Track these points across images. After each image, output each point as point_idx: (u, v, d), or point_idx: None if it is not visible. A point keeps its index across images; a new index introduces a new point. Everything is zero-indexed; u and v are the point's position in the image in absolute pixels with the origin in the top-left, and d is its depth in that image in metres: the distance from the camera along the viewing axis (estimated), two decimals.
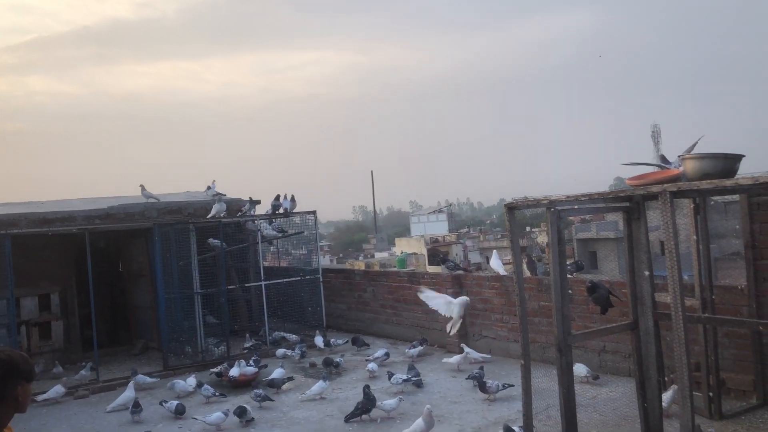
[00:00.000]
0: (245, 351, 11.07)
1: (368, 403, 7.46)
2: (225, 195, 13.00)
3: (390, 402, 7.59)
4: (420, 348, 10.49)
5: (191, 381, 9.24)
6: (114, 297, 14.40)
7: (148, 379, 9.87)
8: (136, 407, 8.23)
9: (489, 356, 9.86)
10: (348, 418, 7.47)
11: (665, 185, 4.39)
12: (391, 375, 8.69)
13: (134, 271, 13.51)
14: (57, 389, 9.40)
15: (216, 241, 11.66)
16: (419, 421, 6.68)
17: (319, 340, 11.29)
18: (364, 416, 7.48)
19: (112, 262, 14.90)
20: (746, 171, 4.75)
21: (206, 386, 8.92)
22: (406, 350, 10.65)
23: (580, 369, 8.05)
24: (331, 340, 11.51)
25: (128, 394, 8.77)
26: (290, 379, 9.28)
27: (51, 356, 11.38)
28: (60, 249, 12.57)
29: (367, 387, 7.66)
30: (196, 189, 13.47)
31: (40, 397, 9.08)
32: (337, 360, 9.54)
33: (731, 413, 6.56)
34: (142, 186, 12.63)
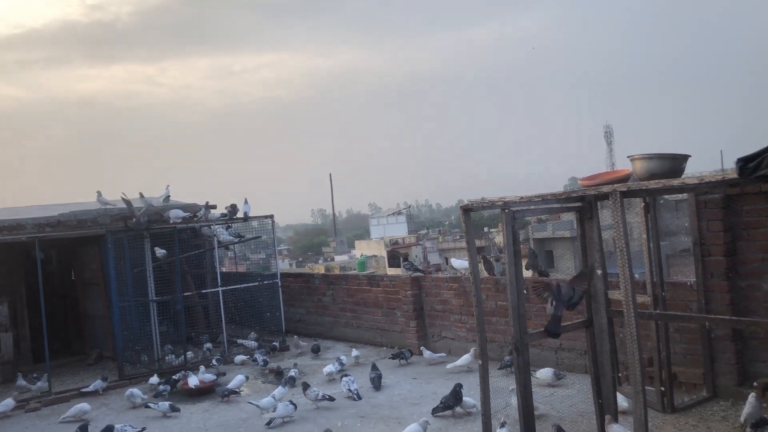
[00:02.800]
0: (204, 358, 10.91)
1: (452, 398, 7.29)
2: (162, 196, 12.79)
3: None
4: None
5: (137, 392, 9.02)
6: (66, 306, 14.03)
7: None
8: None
9: (444, 355, 9.92)
10: (434, 412, 7.33)
11: (615, 185, 4.49)
12: (343, 376, 8.68)
13: (87, 280, 13.20)
14: (7, 403, 9.11)
15: (162, 250, 11.44)
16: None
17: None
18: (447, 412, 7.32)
19: (64, 271, 14.52)
20: (695, 170, 4.88)
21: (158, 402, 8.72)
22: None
23: (547, 373, 8.12)
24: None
25: (83, 405, 8.55)
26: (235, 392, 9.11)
27: (1, 369, 11.03)
28: (9, 259, 12.19)
29: (458, 385, 7.40)
30: (151, 194, 13.20)
31: None
32: (291, 373, 9.27)
33: (683, 406, 6.73)
34: (98, 192, 12.35)
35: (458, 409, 7.30)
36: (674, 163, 4.47)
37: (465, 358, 9.09)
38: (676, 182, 4.22)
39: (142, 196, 12.60)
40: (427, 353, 9.85)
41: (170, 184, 12.94)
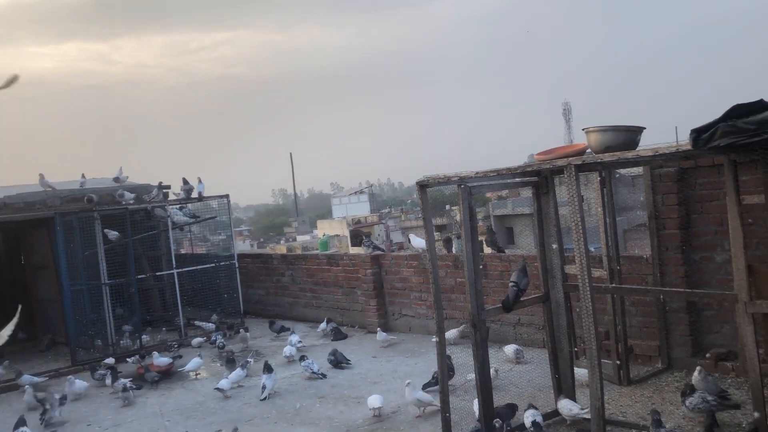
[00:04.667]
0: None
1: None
2: (127, 177, 12.43)
3: None
4: (331, 325, 10.71)
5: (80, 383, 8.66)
6: (16, 291, 13.59)
7: (36, 379, 9.13)
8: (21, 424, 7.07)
9: (395, 337, 9.87)
10: (426, 387, 6.93)
11: (570, 159, 4.43)
12: (302, 358, 8.56)
13: (37, 263, 12.78)
14: None
15: (114, 232, 11.12)
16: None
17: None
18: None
19: (13, 255, 14.07)
20: (650, 144, 4.86)
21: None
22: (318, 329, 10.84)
23: (509, 349, 8.11)
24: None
25: (27, 399, 8.25)
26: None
27: None
28: None
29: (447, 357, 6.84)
30: (103, 175, 12.84)
31: None
32: (248, 359, 9.09)
33: (639, 378, 6.80)
34: (41, 175, 11.92)
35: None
36: (629, 136, 4.43)
37: (452, 332, 8.66)
38: (630, 155, 4.19)
39: (83, 176, 12.23)
40: (381, 335, 9.72)
41: (122, 165, 12.60)
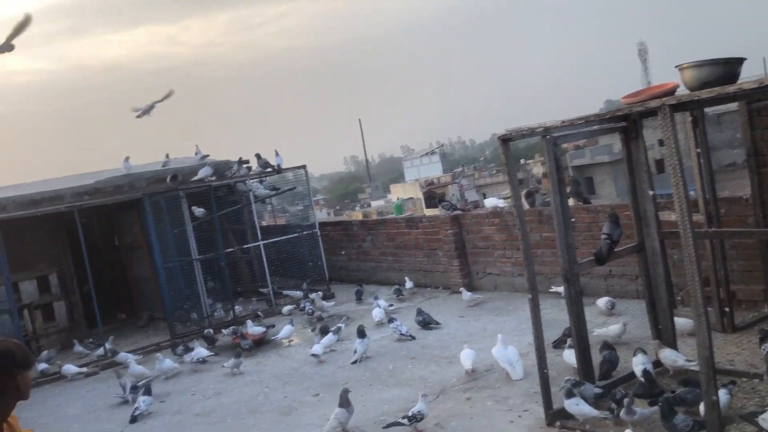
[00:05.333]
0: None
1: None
2: (208, 155, 12.75)
3: None
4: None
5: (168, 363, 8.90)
6: (113, 271, 14.27)
7: (131, 356, 9.45)
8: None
9: (481, 296, 9.78)
10: (557, 344, 6.83)
11: (663, 99, 4.18)
12: (390, 321, 8.62)
13: (130, 244, 13.36)
14: (67, 368, 9.37)
15: (201, 209, 11.44)
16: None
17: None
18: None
19: (107, 237, 14.76)
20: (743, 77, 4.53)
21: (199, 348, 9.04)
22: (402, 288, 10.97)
23: (602, 302, 7.89)
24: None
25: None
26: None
27: (57, 337, 11.33)
28: (53, 229, 12.40)
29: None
30: (184, 155, 13.20)
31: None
32: (339, 324, 9.18)
33: (744, 325, 6.51)
34: (126, 158, 12.39)
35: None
36: (728, 69, 4.13)
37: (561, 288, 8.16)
38: (731, 89, 3.90)
39: (166, 156, 12.59)
40: (467, 295, 9.65)
41: (198, 144, 12.93)
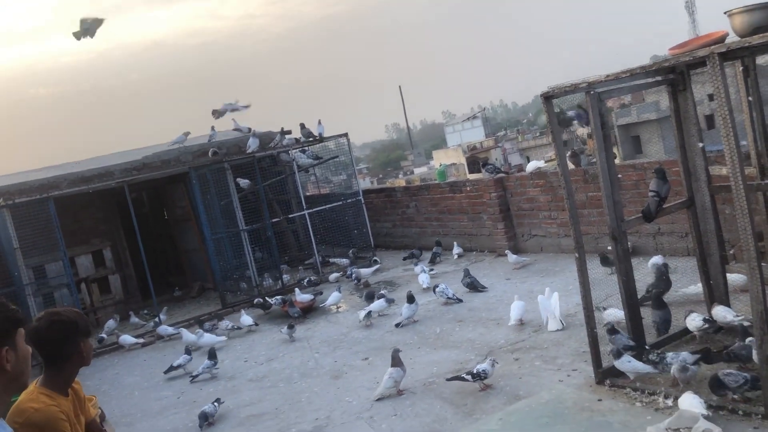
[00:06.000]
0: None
1: (662, 284, 6.44)
2: (248, 128, 12.86)
3: None
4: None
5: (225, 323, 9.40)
6: (164, 244, 14.64)
7: (170, 330, 9.87)
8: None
9: (527, 259, 9.72)
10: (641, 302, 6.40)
11: (712, 47, 4.05)
12: (436, 286, 8.64)
13: (179, 217, 13.67)
14: (125, 338, 9.72)
15: (245, 180, 11.58)
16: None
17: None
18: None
19: (157, 211, 15.11)
20: None
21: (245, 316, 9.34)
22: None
23: (656, 259, 7.73)
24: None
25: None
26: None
27: (113, 308, 11.73)
28: (105, 205, 12.77)
29: (665, 266, 6.67)
30: (220, 129, 13.35)
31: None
32: (382, 292, 9.26)
33: None
34: (186, 133, 12.65)
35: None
36: None
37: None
38: None
39: (212, 129, 12.75)
40: (512, 257, 9.60)
41: (234, 118, 12.95)
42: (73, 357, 2.83)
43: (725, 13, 4.14)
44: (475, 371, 5.59)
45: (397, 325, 7.92)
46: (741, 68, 5.98)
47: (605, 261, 7.76)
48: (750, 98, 5.58)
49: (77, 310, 3.05)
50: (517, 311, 7.05)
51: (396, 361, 5.89)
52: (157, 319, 10.41)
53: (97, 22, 10.33)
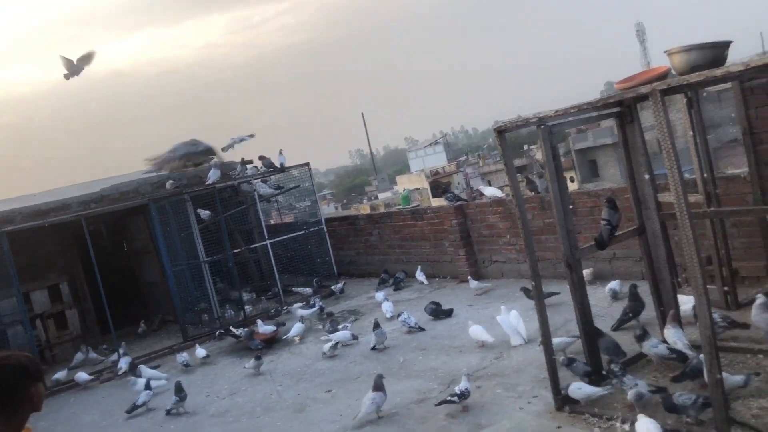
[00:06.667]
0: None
1: (638, 305, 6.68)
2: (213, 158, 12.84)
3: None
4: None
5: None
6: (124, 277, 14.42)
7: (96, 356, 10.11)
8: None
9: (489, 285, 9.84)
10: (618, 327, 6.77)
11: (654, 84, 4.24)
12: (399, 314, 8.70)
13: (139, 249, 13.50)
14: (81, 376, 9.50)
15: (206, 211, 11.51)
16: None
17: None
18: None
19: (117, 243, 14.88)
20: (735, 56, 4.58)
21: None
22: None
23: (613, 285, 7.98)
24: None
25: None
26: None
27: (71, 344, 11.48)
28: (62, 238, 12.54)
29: (633, 286, 6.82)
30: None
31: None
32: (347, 324, 9.37)
33: (747, 301, 6.52)
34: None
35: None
36: (715, 52, 4.19)
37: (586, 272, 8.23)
38: (719, 72, 3.95)
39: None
40: (473, 283, 9.73)
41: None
42: (23, 404, 2.71)
43: (665, 52, 4.35)
44: (459, 392, 5.72)
45: (373, 348, 8.02)
46: (685, 100, 6.25)
47: (528, 294, 8.14)
48: (691, 133, 5.81)
49: (27, 354, 2.95)
50: (479, 334, 7.29)
51: (378, 386, 5.99)
52: (116, 355, 10.20)
53: (87, 58, 10.36)
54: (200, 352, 9.39)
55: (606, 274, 8.53)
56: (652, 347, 5.34)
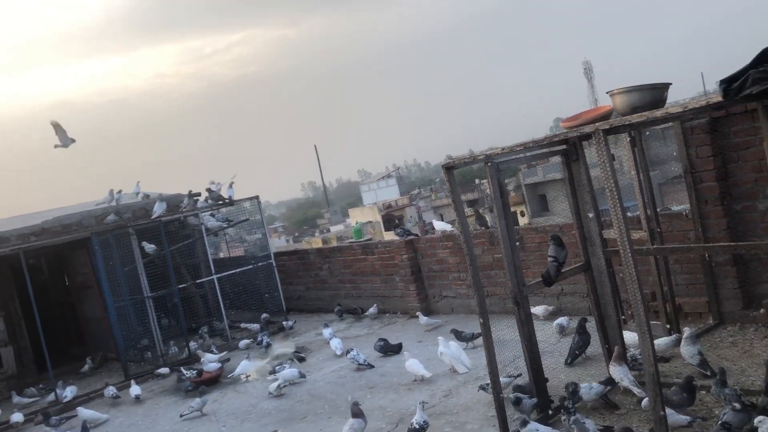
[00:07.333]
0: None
1: (586, 339, 6.71)
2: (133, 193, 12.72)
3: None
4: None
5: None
6: (64, 312, 13.90)
7: (25, 400, 9.77)
8: None
9: (439, 321, 9.78)
10: (571, 361, 6.79)
11: (597, 124, 4.31)
12: (348, 351, 8.60)
13: (80, 284, 13.03)
14: (15, 417, 9.05)
15: (151, 245, 11.22)
16: None
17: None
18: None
19: (57, 278, 14.37)
20: (677, 95, 4.70)
21: None
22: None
23: (538, 310, 8.17)
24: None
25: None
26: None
27: (6, 384, 10.93)
28: None
29: (583, 320, 6.81)
30: (126, 191, 12.95)
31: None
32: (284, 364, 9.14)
33: None
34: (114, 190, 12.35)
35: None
36: (655, 94, 4.30)
37: (538, 309, 8.44)
38: (659, 113, 4.05)
39: (111, 192, 12.36)
40: (423, 319, 9.70)
41: (140, 181, 12.84)
42: None
43: (607, 93, 4.44)
44: (418, 426, 5.68)
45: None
46: (629, 139, 6.39)
47: (458, 336, 8.26)
48: (634, 172, 5.93)
49: None
50: (415, 368, 7.40)
51: (356, 413, 6.00)
52: (55, 393, 9.76)
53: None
54: (134, 389, 9.07)
55: (553, 310, 8.58)
56: (587, 392, 5.36)
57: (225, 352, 10.31)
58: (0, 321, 11.31)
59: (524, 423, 4.97)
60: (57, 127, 11.40)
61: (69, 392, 9.60)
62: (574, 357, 6.80)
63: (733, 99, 3.72)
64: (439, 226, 10.63)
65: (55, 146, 11.61)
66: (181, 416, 7.96)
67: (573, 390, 5.35)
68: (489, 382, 5.99)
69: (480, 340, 7.74)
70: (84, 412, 8.49)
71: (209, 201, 12.15)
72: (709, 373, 5.36)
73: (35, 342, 11.29)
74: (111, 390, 9.41)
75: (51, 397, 9.83)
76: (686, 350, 5.58)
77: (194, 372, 9.38)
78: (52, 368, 10.29)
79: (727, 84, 3.70)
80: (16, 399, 9.93)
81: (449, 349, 7.53)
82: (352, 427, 5.93)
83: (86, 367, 11.52)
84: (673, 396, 4.87)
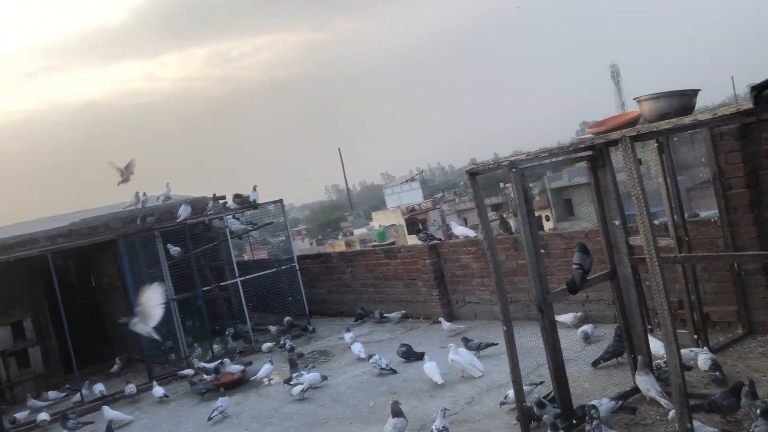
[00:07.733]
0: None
1: (620, 347, 6.59)
2: (161, 195, 12.82)
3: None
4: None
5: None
6: (90, 313, 14.07)
7: (39, 403, 9.89)
8: None
9: (463, 327, 9.68)
10: (597, 364, 6.80)
11: (624, 131, 4.25)
12: (370, 356, 8.57)
13: (106, 285, 13.20)
14: (42, 416, 9.18)
15: (176, 248, 11.31)
16: None
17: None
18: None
19: (84, 279, 14.56)
20: (707, 100, 4.62)
21: None
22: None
23: (567, 318, 8.07)
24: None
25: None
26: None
27: (32, 383, 11.11)
28: (27, 273, 12.21)
29: (619, 328, 6.59)
30: (152, 193, 13.09)
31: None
32: (313, 365, 9.29)
33: (719, 346, 6.53)
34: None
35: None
36: (684, 100, 4.23)
37: (567, 317, 8.44)
38: (687, 120, 3.98)
39: (137, 195, 12.49)
40: (446, 324, 9.60)
41: (170, 182, 12.91)
42: None
43: (635, 99, 4.37)
44: (437, 431, 5.70)
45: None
46: (656, 145, 6.30)
47: (467, 344, 8.20)
48: (661, 179, 5.83)
49: None
50: (431, 373, 7.46)
51: (397, 412, 6.03)
52: (80, 394, 9.88)
53: (131, 165, 12.26)
54: (158, 390, 9.14)
55: (581, 317, 8.48)
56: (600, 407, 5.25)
57: (218, 361, 10.06)
58: (28, 321, 11.49)
59: (555, 428, 4.91)
60: (117, 168, 12.24)
61: (97, 390, 9.90)
62: (604, 360, 6.78)
63: (764, 106, 3.64)
64: (459, 231, 10.55)
65: (119, 183, 12.36)
66: (209, 419, 7.96)
67: (582, 414, 5.22)
68: (506, 395, 6.04)
69: (489, 350, 8.04)
70: (109, 412, 8.57)
71: (234, 205, 12.23)
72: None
73: (62, 342, 11.45)
74: (131, 387, 9.56)
75: (77, 397, 9.95)
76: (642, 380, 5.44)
77: (211, 376, 9.41)
78: (79, 368, 10.43)
79: (758, 91, 3.63)
80: (31, 402, 9.93)
81: (460, 356, 7.57)
82: (396, 426, 5.98)
83: (115, 367, 11.67)
84: (723, 401, 4.76)
